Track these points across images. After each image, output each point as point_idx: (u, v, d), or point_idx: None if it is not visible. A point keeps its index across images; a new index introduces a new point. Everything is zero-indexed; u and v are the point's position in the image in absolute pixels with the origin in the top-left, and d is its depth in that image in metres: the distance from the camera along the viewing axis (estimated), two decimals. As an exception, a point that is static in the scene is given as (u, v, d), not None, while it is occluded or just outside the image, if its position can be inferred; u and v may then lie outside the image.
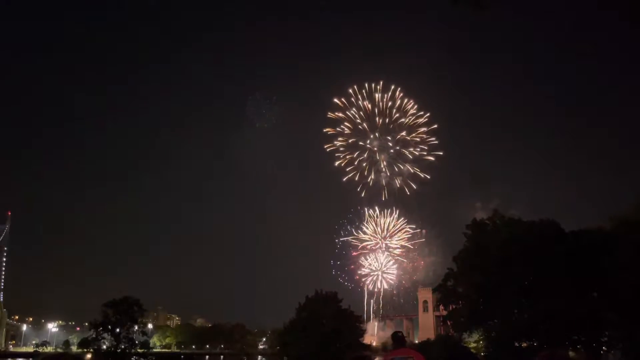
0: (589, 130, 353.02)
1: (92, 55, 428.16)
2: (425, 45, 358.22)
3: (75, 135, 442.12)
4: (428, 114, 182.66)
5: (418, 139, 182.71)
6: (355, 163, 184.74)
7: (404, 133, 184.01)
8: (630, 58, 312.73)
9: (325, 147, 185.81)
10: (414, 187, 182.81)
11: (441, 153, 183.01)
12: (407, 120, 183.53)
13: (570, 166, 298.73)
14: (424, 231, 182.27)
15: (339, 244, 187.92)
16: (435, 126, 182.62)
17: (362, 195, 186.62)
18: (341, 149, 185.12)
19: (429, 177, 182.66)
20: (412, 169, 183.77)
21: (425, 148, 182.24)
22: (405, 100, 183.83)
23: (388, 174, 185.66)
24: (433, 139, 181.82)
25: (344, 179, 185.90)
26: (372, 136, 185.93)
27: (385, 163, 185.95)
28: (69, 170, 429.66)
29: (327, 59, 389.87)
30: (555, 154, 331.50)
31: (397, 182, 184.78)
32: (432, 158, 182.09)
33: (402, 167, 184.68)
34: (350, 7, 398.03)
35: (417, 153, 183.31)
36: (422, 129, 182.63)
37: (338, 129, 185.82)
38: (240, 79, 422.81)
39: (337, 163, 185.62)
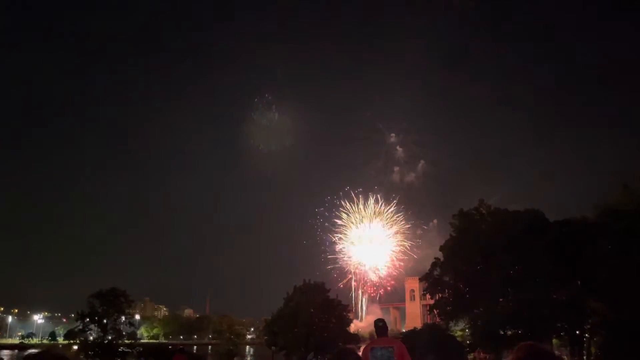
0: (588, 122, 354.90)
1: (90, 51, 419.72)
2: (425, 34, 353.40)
3: (58, 128, 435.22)
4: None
5: None
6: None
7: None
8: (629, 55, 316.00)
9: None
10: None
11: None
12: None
13: (573, 158, 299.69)
14: (434, 221, 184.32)
15: (326, 233, 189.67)
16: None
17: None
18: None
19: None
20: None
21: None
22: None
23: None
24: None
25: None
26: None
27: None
28: (54, 163, 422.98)
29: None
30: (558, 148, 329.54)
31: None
32: None
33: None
34: None
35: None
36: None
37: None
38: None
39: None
